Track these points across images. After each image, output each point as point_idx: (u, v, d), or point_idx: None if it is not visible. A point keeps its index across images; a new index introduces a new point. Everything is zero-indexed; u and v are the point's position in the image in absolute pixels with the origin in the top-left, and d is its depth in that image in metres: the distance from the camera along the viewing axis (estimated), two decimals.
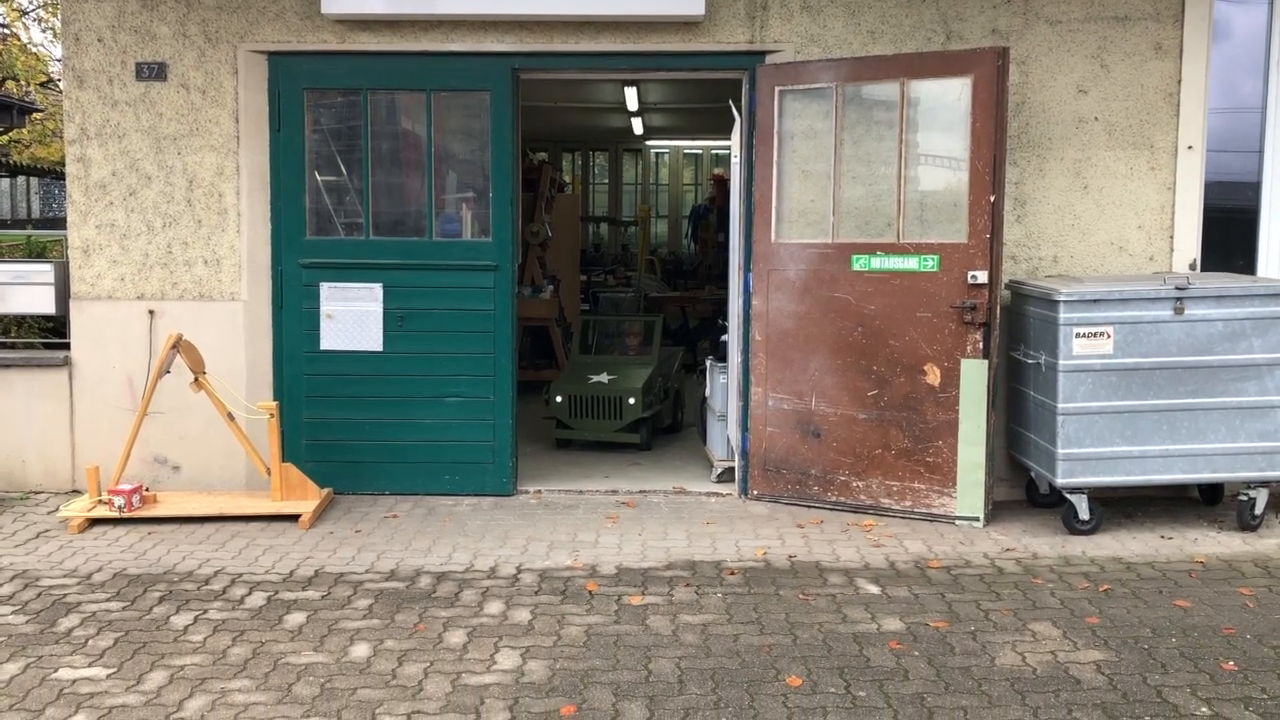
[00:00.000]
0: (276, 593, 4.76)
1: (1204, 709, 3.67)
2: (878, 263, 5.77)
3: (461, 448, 6.22)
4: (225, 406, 5.80)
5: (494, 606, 4.61)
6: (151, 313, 6.12)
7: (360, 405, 6.20)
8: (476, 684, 3.89)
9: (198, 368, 5.75)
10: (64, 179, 6.27)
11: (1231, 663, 4.01)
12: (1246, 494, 5.50)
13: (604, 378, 7.42)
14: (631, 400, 7.23)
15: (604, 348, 8.24)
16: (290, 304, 6.18)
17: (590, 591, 4.77)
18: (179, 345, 5.66)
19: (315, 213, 6.22)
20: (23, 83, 19.92)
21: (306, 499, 5.84)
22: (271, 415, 5.79)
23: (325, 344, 6.18)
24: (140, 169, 6.09)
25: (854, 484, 5.92)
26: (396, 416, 6.20)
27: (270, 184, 6.14)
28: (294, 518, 5.72)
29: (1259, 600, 4.62)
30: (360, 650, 4.17)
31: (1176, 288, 5.31)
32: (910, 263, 5.69)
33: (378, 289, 6.14)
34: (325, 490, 6.01)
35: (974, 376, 5.58)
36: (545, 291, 9.74)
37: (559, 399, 7.34)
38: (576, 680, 3.92)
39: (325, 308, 6.16)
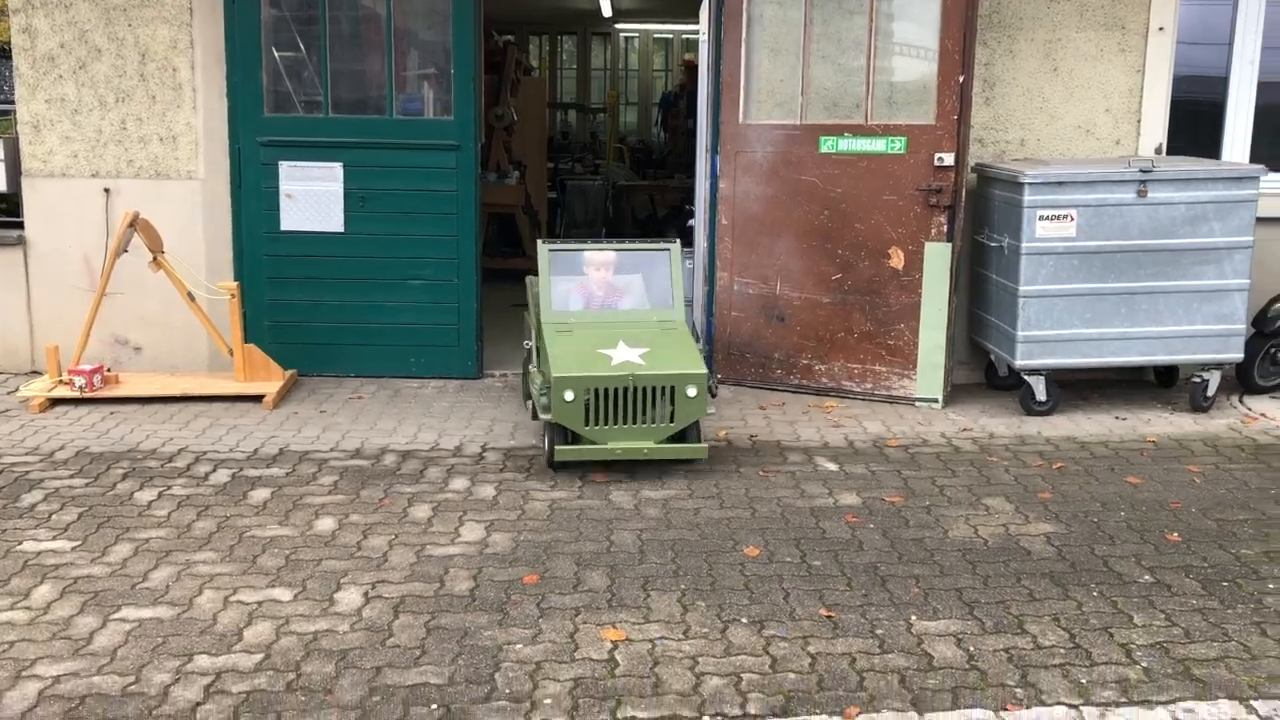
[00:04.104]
0: (241, 470, 4.78)
1: (1147, 577, 3.79)
2: (845, 144, 5.72)
3: (426, 330, 6.20)
4: (185, 286, 5.73)
5: (459, 483, 4.66)
6: (107, 191, 6.00)
7: (323, 287, 6.14)
8: (441, 555, 3.96)
9: (156, 247, 5.67)
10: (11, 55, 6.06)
11: (1176, 534, 4.14)
12: (1200, 376, 5.61)
13: (630, 352, 4.66)
14: (692, 391, 4.58)
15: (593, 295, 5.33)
16: (249, 183, 6.07)
17: (555, 469, 4.82)
18: (136, 223, 5.56)
19: (273, 89, 6.06)
20: None
21: (270, 380, 5.83)
22: (233, 296, 5.73)
23: (286, 224, 6.09)
24: (89, 41, 5.89)
25: (816, 367, 5.97)
26: (360, 299, 6.15)
27: (226, 59, 5.96)
28: (258, 398, 5.71)
29: (1206, 476, 4.74)
30: (325, 524, 4.22)
31: (1141, 170, 5.31)
32: (878, 144, 5.65)
33: (338, 168, 6.03)
34: (289, 372, 5.99)
35: (937, 260, 5.60)
36: (511, 178, 9.62)
37: (569, 396, 4.51)
38: (540, 551, 3.99)
39: (285, 187, 6.05)
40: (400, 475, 4.74)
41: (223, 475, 4.71)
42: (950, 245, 5.56)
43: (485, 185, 9.07)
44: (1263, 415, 5.57)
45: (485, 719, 2.96)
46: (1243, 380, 5.86)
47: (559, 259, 5.12)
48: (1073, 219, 5.34)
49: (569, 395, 4.51)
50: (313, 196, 6.06)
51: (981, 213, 5.85)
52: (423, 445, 5.12)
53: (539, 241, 5.11)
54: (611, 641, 3.36)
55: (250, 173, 6.06)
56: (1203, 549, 4.01)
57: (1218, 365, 5.57)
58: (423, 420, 5.50)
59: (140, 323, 6.10)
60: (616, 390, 4.54)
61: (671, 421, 4.59)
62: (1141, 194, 5.33)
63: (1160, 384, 6.07)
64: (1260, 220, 5.49)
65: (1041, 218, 5.33)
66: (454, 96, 6.04)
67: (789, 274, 5.95)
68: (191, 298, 5.74)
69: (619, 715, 2.98)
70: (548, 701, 3.04)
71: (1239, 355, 5.55)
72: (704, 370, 4.61)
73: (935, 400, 5.72)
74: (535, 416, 4.85)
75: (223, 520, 4.24)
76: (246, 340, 5.88)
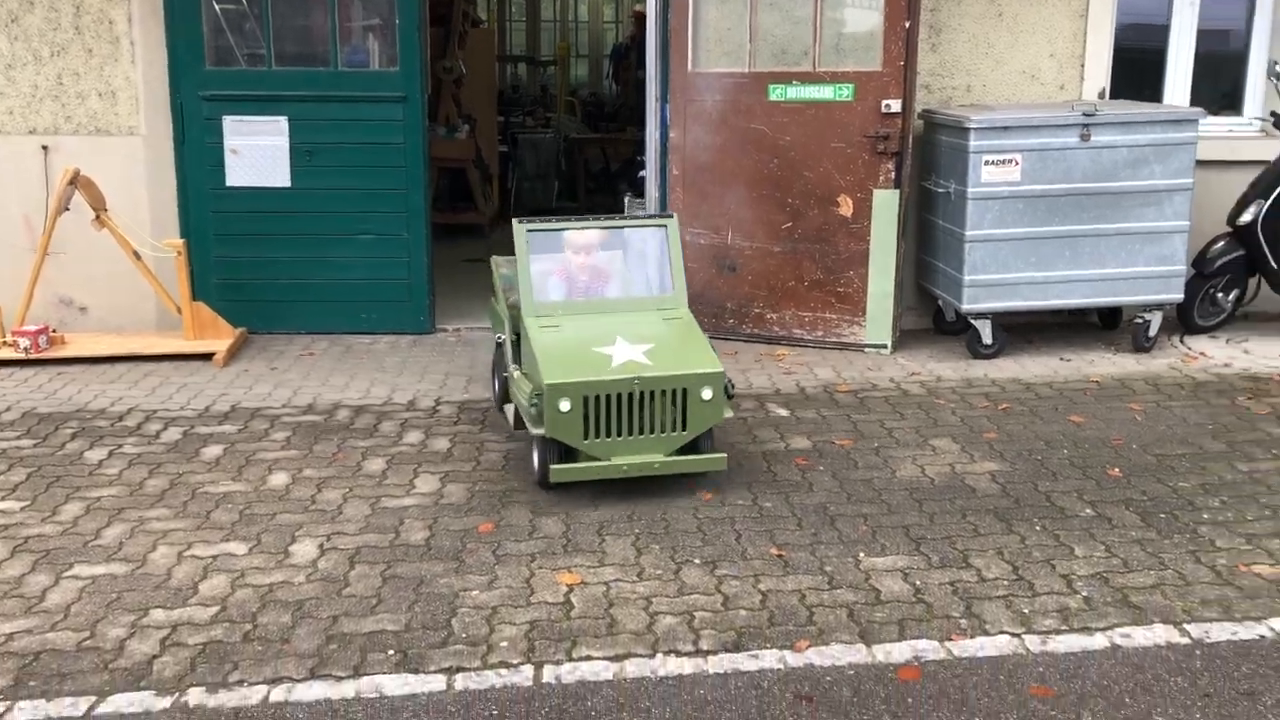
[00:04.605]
0: (192, 427, 4.75)
1: (1088, 510, 3.89)
2: (794, 92, 5.73)
3: (377, 286, 6.16)
4: (131, 244, 5.65)
5: (413, 436, 4.66)
6: (45, 148, 5.87)
7: (271, 243, 6.07)
8: (396, 506, 3.97)
9: (98, 204, 5.57)
10: None
11: (1117, 469, 4.25)
12: (1142, 317, 5.72)
13: (631, 350, 4.05)
14: (707, 393, 3.97)
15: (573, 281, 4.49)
16: (192, 138, 5.97)
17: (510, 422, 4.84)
18: (77, 181, 5.46)
19: (214, 43, 5.95)
20: None
21: (220, 338, 5.78)
22: (179, 253, 5.66)
23: (231, 180, 6.00)
24: None
25: (768, 316, 6.02)
26: (309, 254, 6.09)
27: (164, 11, 5.83)
28: (207, 356, 5.66)
29: (1147, 414, 4.86)
30: (279, 479, 4.22)
31: (1084, 114, 5.37)
32: (826, 92, 5.66)
33: (283, 122, 5.94)
34: (239, 330, 5.94)
35: (885, 207, 5.64)
36: (461, 131, 9.52)
37: (564, 406, 3.90)
38: (495, 500, 4.02)
39: (229, 142, 5.96)
40: (354, 430, 4.73)
41: (174, 433, 4.68)
42: (898, 192, 5.61)
43: (434, 139, 8.97)
44: (1202, 354, 5.71)
45: (442, 663, 3.00)
46: (1183, 320, 5.99)
47: (539, 240, 4.36)
48: (1017, 163, 5.40)
49: (565, 405, 3.88)
50: (258, 151, 5.98)
51: (929, 159, 5.90)
52: (375, 400, 5.11)
53: (514, 220, 4.34)
54: (567, 585, 3.40)
55: (193, 128, 5.96)
56: (1142, 483, 4.12)
57: (1159, 306, 5.69)
58: (375, 375, 5.49)
59: (85, 282, 6.00)
60: (620, 396, 3.92)
61: (684, 429, 3.99)
62: (1084, 138, 5.39)
63: (1104, 326, 6.18)
64: (1200, 163, 5.58)
65: (987, 162, 5.39)
66: (399, 48, 5.96)
67: (740, 223, 5.97)
68: (137, 256, 5.66)
69: (574, 655, 3.03)
70: (504, 644, 3.09)
71: (1180, 296, 5.66)
72: (720, 368, 4.01)
73: (884, 346, 5.79)
74: (519, 427, 4.22)
75: (175, 477, 4.22)
76: (194, 298, 5.81)
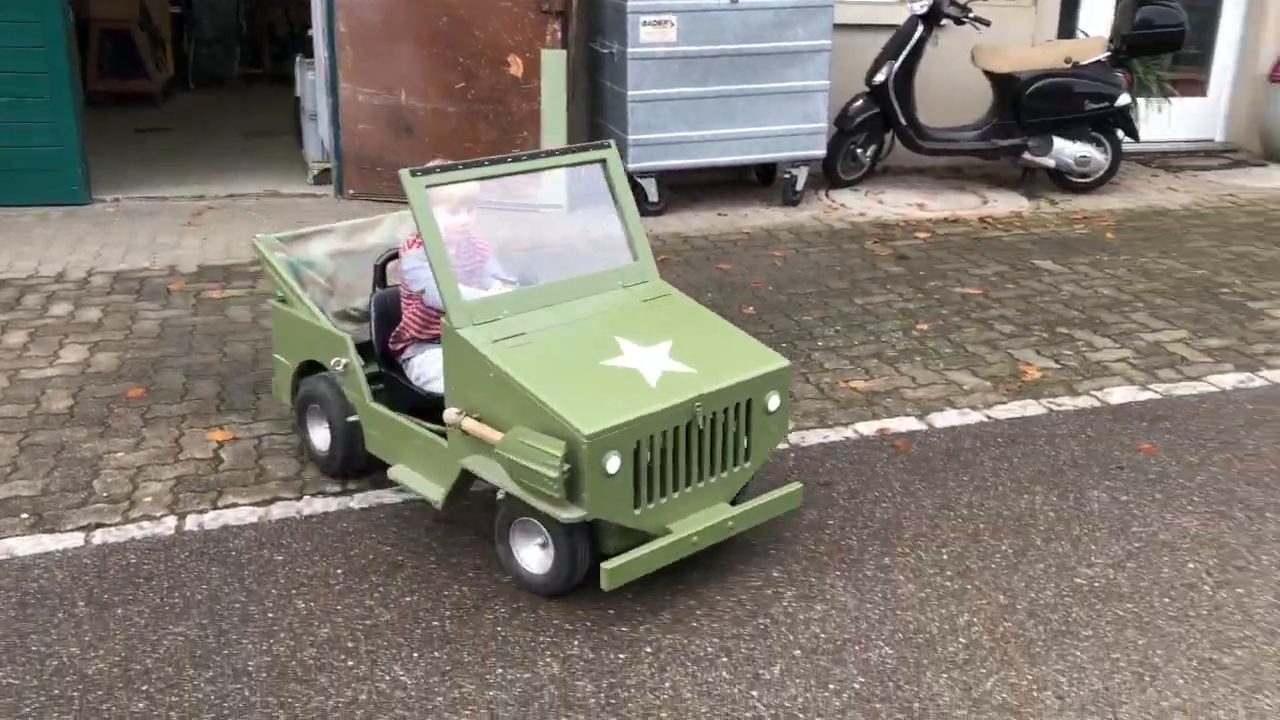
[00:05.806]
0: None
1: None
2: None
3: (20, 154, 5.72)
4: None
5: (60, 308, 4.47)
6: None
7: None
8: (38, 377, 3.84)
9: None
10: None
11: (751, 308, 4.66)
12: (790, 172, 6.19)
13: (654, 357, 2.81)
14: (774, 401, 2.86)
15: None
16: None
17: (169, 290, 4.71)
18: None
19: None
20: None
21: None
22: None
23: None
24: None
25: None
26: None
27: None
28: None
29: (786, 260, 5.32)
30: None
31: None
32: None
33: None
34: None
35: (554, 67, 5.75)
36: None
37: (612, 465, 2.56)
38: (147, 367, 3.96)
39: None
40: None
41: None
42: (564, 52, 5.73)
43: None
44: (843, 205, 6.26)
45: (80, 521, 3.00)
46: (829, 175, 6.50)
47: (443, 197, 2.99)
48: (673, 25, 5.64)
49: (613, 463, 2.57)
50: None
51: (595, 20, 6.05)
52: (19, 274, 4.83)
53: (404, 173, 2.85)
54: (217, 442, 3.44)
55: None
56: (771, 318, 4.56)
57: (805, 162, 6.16)
58: (21, 249, 5.16)
59: None
60: (676, 432, 2.67)
61: (748, 461, 2.85)
62: (734, 0, 5.69)
63: (761, 183, 6.63)
64: (843, 26, 6.01)
65: (644, 24, 5.60)
66: None
67: (413, 84, 5.93)
68: None
69: (220, 504, 3.10)
70: (148, 500, 3.11)
71: (823, 152, 6.16)
72: (785, 363, 2.89)
73: (560, 206, 5.98)
74: (452, 502, 2.89)
75: None
76: None
